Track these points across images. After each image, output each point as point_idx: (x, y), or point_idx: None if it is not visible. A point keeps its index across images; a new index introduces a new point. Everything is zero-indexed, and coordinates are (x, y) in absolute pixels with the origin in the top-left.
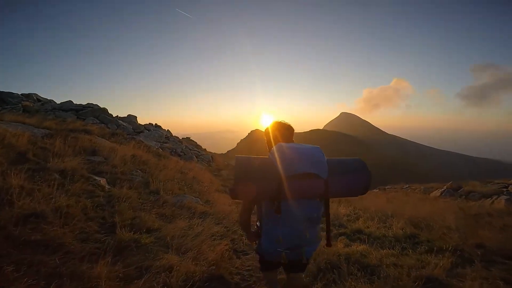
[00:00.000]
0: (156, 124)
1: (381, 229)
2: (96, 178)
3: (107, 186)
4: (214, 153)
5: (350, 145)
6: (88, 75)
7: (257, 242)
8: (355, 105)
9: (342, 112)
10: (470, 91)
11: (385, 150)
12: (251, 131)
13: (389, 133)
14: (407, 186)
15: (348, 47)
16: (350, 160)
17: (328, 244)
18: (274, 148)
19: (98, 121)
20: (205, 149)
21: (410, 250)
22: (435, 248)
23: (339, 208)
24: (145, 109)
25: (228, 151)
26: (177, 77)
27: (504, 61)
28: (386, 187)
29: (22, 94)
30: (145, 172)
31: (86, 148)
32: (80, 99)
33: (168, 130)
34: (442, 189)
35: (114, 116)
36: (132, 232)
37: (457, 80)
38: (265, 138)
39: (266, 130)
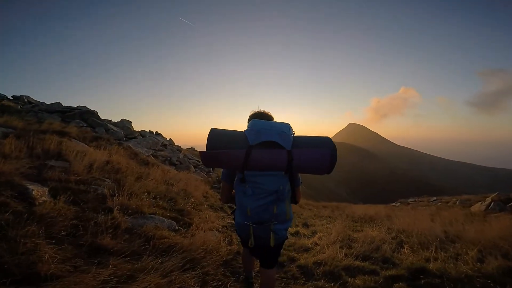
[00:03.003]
0: (156, 132)
1: (449, 263)
2: (30, 187)
3: (42, 199)
4: None
5: (359, 157)
6: (100, 86)
7: (234, 219)
8: (363, 115)
9: (350, 123)
10: (480, 98)
11: (396, 162)
12: None
13: (398, 144)
14: (435, 198)
15: (355, 55)
16: (317, 137)
17: (294, 202)
18: (248, 123)
19: (85, 124)
20: None
21: None
22: None
23: (369, 230)
24: (156, 121)
25: None
26: (185, 87)
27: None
28: (409, 200)
29: (12, 96)
30: (116, 182)
31: (51, 150)
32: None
33: (170, 139)
34: (487, 202)
35: (106, 120)
36: None
37: (465, 86)
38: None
39: (249, 117)
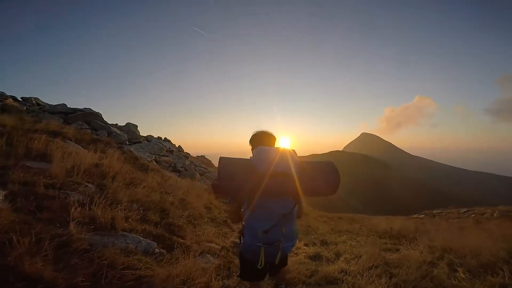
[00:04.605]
0: (165, 138)
1: None
2: None
3: None
4: None
5: (371, 167)
6: (117, 96)
7: (240, 241)
8: (376, 125)
9: (362, 133)
10: (499, 104)
11: (410, 173)
12: None
13: (413, 154)
14: (466, 210)
15: (368, 63)
16: (321, 162)
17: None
18: (254, 150)
19: (87, 127)
20: None
21: None
22: None
23: (405, 249)
24: (171, 129)
25: None
26: (195, 96)
27: None
28: (434, 211)
29: (21, 98)
30: (100, 188)
31: (35, 150)
32: (115, 118)
33: (179, 146)
34: None
35: (111, 123)
36: None
37: (484, 94)
38: (251, 145)
39: (251, 138)
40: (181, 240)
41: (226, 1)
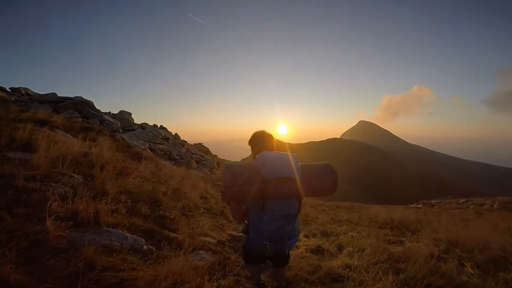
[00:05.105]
0: (161, 126)
1: None
2: None
3: None
4: (223, 159)
5: (369, 155)
6: (110, 85)
7: (245, 236)
8: (374, 113)
9: (360, 121)
10: (497, 97)
11: (407, 161)
12: None
13: (410, 142)
14: (465, 200)
15: (368, 53)
16: (320, 165)
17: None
18: (258, 155)
19: (79, 115)
20: (215, 155)
21: None
22: None
23: (407, 241)
24: (167, 117)
25: (242, 159)
26: (191, 85)
27: None
28: (433, 201)
29: (10, 88)
30: (87, 179)
31: (18, 140)
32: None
33: (175, 133)
34: None
35: (105, 112)
36: None
37: (482, 85)
38: (250, 146)
39: (251, 139)
40: (173, 235)
41: None
